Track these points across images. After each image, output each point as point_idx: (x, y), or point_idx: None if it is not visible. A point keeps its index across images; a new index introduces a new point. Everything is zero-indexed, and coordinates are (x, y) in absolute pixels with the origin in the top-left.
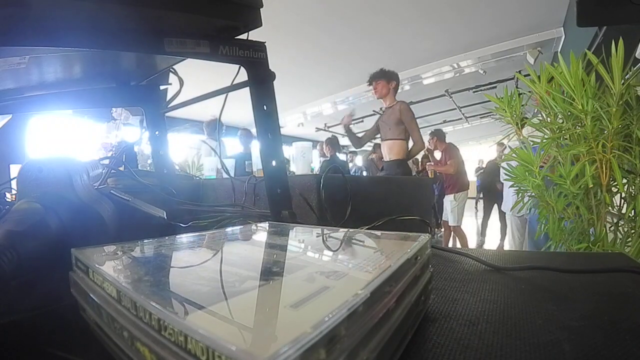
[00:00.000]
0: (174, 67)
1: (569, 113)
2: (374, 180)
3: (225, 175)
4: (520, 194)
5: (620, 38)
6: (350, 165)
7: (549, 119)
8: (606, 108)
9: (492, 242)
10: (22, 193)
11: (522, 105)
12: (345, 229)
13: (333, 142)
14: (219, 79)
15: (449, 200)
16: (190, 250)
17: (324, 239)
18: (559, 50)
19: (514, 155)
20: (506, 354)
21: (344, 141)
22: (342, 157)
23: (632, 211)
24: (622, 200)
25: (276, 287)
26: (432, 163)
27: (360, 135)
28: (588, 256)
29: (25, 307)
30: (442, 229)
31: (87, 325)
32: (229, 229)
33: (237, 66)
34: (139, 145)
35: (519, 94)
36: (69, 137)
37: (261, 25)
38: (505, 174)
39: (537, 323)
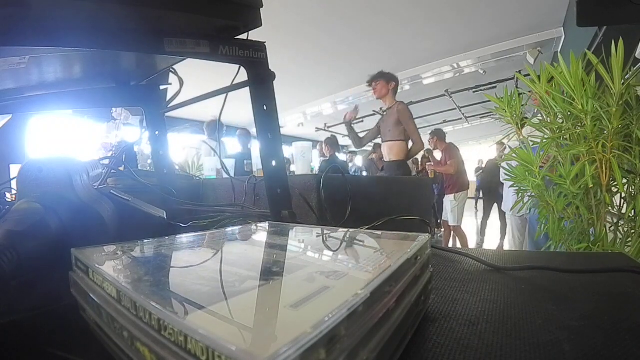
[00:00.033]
0: (174, 67)
1: (569, 113)
2: (374, 180)
3: (225, 175)
4: (520, 194)
5: (620, 38)
6: (350, 165)
7: (549, 119)
8: (606, 108)
9: (492, 242)
10: (22, 193)
11: (522, 105)
12: (345, 229)
13: (332, 142)
14: (219, 79)
15: (449, 200)
16: (190, 250)
17: (324, 239)
18: (559, 50)
19: (514, 155)
20: (506, 354)
21: (344, 141)
22: (341, 157)
23: (632, 211)
24: (622, 200)
25: (276, 287)
26: (433, 163)
27: (361, 135)
28: (588, 256)
29: (25, 307)
30: (442, 229)
31: (87, 325)
32: (229, 229)
33: (237, 66)
34: (139, 145)
35: (519, 94)
36: (69, 137)
37: (261, 25)
38: (505, 174)
39: (537, 323)
